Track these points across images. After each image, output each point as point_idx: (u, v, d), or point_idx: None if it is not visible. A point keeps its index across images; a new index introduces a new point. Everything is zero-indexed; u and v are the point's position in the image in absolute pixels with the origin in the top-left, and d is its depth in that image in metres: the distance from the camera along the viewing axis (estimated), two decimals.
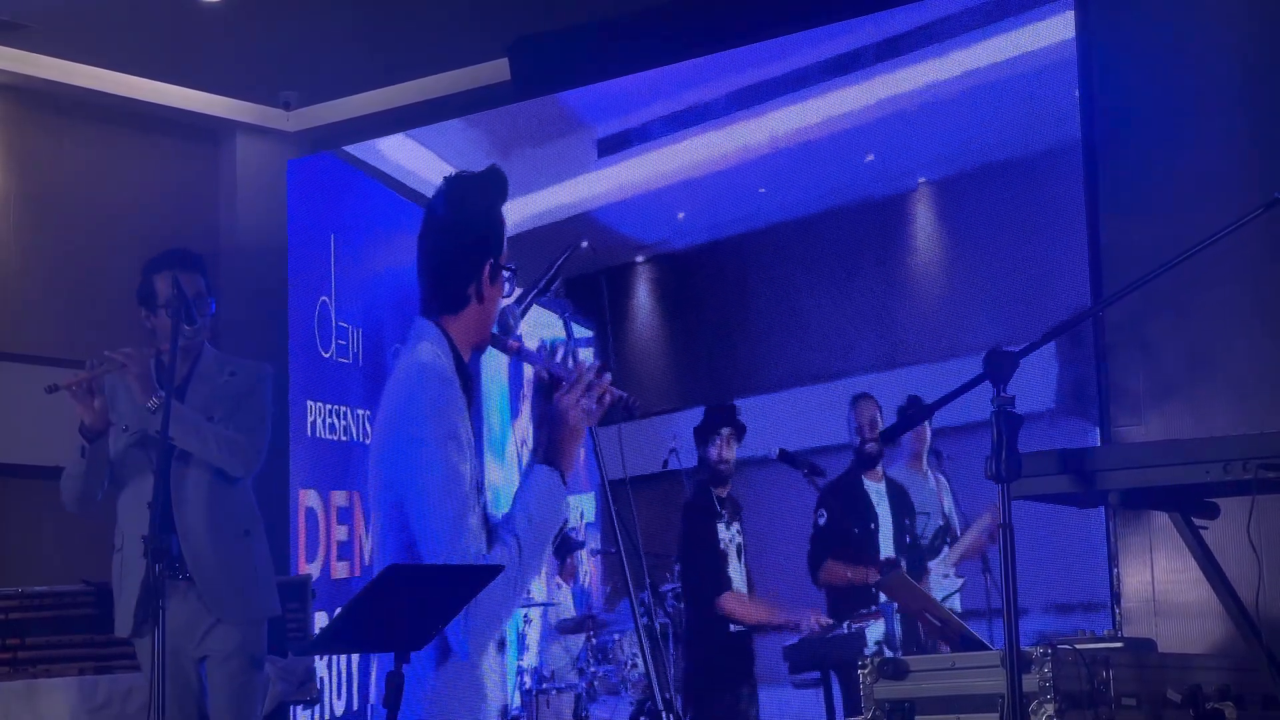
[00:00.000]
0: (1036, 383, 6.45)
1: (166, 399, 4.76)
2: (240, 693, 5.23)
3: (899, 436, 6.67)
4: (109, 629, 5.59)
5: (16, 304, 8.60)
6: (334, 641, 4.15)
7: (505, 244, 3.57)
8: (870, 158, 7.32)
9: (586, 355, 3.63)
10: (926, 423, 6.69)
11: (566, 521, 3.45)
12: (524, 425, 8.38)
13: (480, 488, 3.43)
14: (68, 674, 6.18)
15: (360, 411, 8.95)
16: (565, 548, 8.00)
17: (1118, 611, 6.31)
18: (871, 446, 6.85)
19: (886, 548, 6.84)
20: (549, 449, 3.46)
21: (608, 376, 3.50)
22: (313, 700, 6.76)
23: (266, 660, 5.45)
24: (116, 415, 5.30)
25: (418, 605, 3.20)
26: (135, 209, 9.04)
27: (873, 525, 6.82)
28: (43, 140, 8.82)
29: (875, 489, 6.84)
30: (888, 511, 6.82)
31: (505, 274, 3.55)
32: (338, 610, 3.32)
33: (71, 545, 7.81)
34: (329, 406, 9.00)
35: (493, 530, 3.42)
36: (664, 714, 3.60)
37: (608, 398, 3.49)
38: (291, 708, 6.68)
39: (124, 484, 5.34)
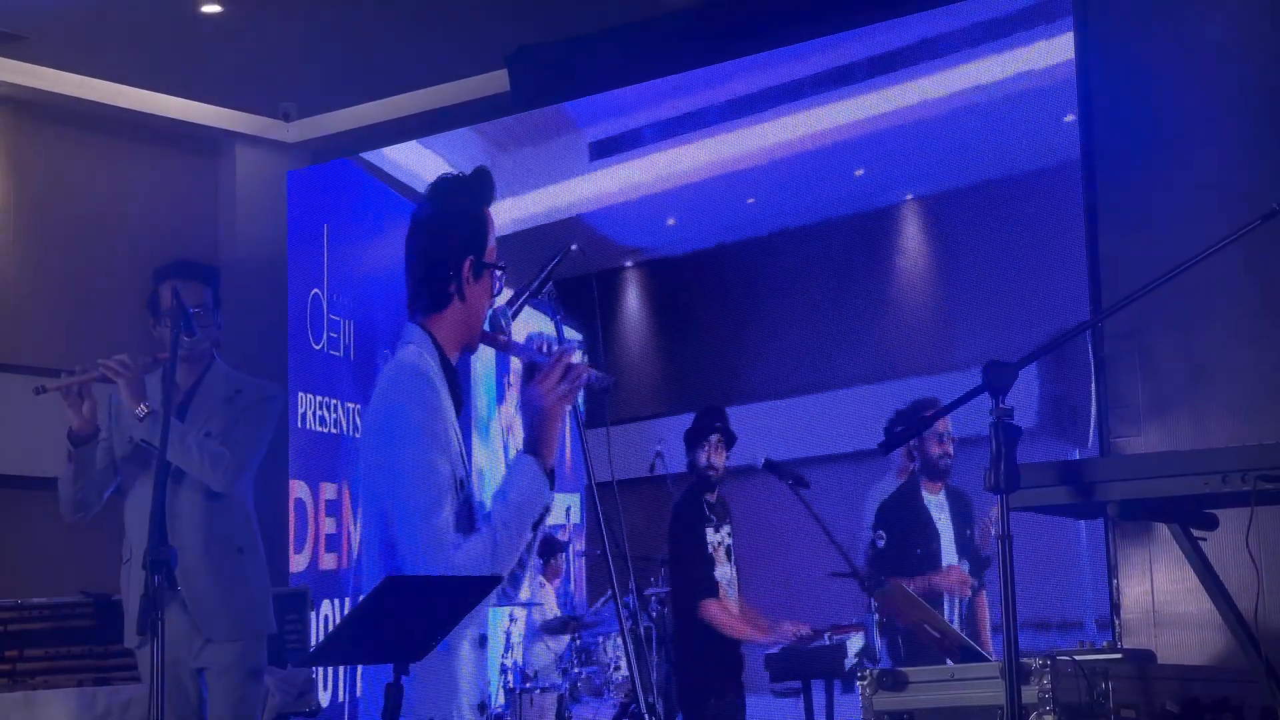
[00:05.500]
0: (1016, 400, 6.38)
1: (165, 409, 4.75)
2: (239, 704, 5.22)
3: (896, 449, 6.65)
4: (108, 640, 5.57)
5: (16, 314, 8.61)
6: (333, 653, 4.15)
7: (490, 243, 3.60)
8: (860, 172, 7.33)
9: (572, 335, 3.65)
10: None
11: (548, 507, 3.48)
12: (509, 412, 8.40)
13: (463, 484, 3.46)
14: (66, 685, 6.17)
15: (350, 405, 8.95)
16: (550, 548, 8.02)
17: (1117, 623, 6.30)
18: (945, 461, 6.69)
19: (950, 561, 6.71)
20: (529, 437, 3.50)
21: (583, 359, 3.52)
22: (312, 711, 6.74)
23: (265, 671, 5.44)
24: (121, 424, 5.30)
25: (416, 616, 3.20)
26: (135, 220, 9.05)
27: (935, 543, 6.70)
28: (42, 151, 8.83)
29: (935, 502, 6.72)
30: (949, 525, 6.72)
31: (494, 273, 3.58)
32: (338, 622, 3.33)
33: (70, 556, 7.81)
34: (319, 399, 8.99)
35: (473, 522, 3.44)
36: (646, 717, 3.60)
37: (581, 378, 3.51)
38: (291, 718, 6.66)
39: (130, 495, 5.33)
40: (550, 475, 3.48)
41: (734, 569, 7.08)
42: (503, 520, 3.41)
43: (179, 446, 5.11)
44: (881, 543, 6.67)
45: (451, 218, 3.60)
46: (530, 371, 3.54)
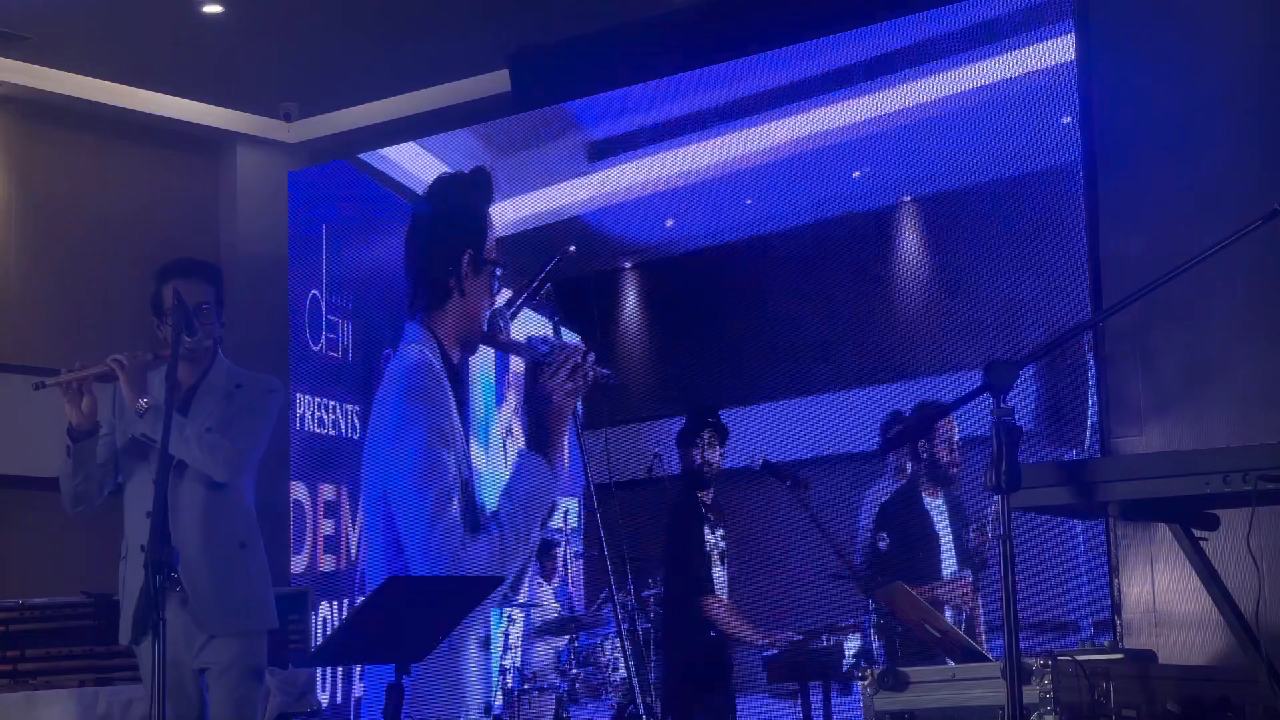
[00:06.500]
0: (1013, 404, 6.35)
1: (167, 407, 4.75)
2: (240, 704, 5.21)
3: (896, 449, 6.65)
4: (109, 640, 5.54)
5: (17, 314, 8.61)
6: (334, 653, 4.15)
7: (489, 241, 3.61)
8: (859, 174, 7.33)
9: (570, 337, 3.66)
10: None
11: (555, 504, 3.47)
12: (508, 413, 8.40)
13: (468, 483, 3.46)
14: (67, 686, 6.17)
15: (349, 406, 8.94)
16: (546, 549, 8.04)
17: (1118, 623, 6.30)
18: (954, 470, 6.66)
19: (949, 566, 6.70)
20: (536, 434, 3.50)
21: (591, 356, 3.54)
22: (313, 712, 6.75)
23: (266, 671, 5.44)
24: (124, 419, 5.30)
25: (418, 616, 3.20)
26: (136, 220, 9.06)
27: (936, 546, 6.65)
28: (44, 151, 8.83)
29: (935, 505, 6.68)
30: (948, 529, 6.68)
31: (492, 269, 3.59)
32: (338, 623, 3.32)
33: (71, 556, 7.82)
34: (318, 400, 8.98)
35: (480, 520, 3.45)
36: (644, 718, 3.60)
37: (590, 375, 3.52)
38: (291, 718, 6.67)
39: (129, 491, 5.33)
40: (557, 472, 3.48)
41: (726, 572, 7.08)
42: (511, 518, 3.41)
43: (178, 438, 5.09)
44: (884, 545, 6.66)
45: (450, 214, 3.63)
46: (535, 369, 3.55)
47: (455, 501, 3.38)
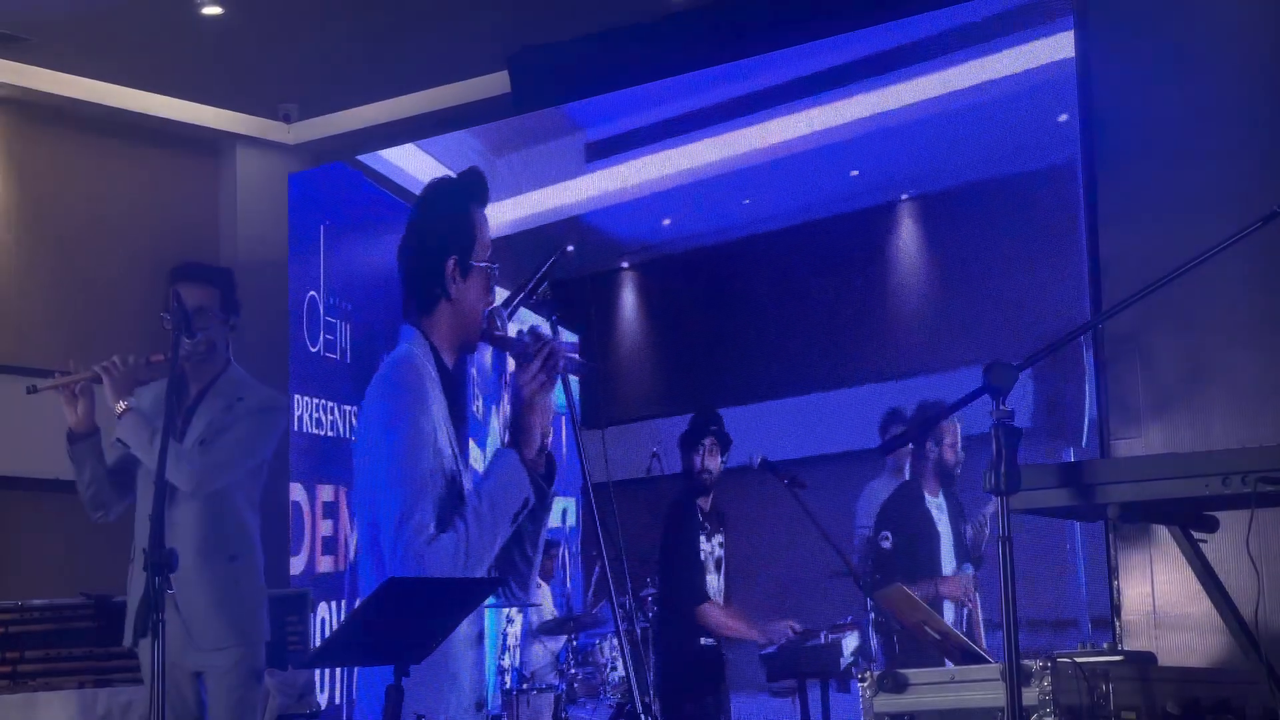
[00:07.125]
0: (1011, 400, 6.34)
1: (168, 412, 4.75)
2: (239, 706, 5.21)
3: (895, 450, 6.65)
4: (108, 642, 5.55)
5: (16, 316, 8.61)
6: (334, 654, 4.15)
7: (480, 242, 3.63)
8: (856, 173, 7.33)
9: (569, 337, 3.68)
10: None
11: (528, 500, 3.47)
12: (507, 413, 8.39)
13: (452, 479, 3.47)
14: (67, 687, 6.17)
15: (347, 407, 8.93)
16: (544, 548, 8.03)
17: (1118, 624, 6.30)
18: (959, 469, 6.67)
19: (949, 563, 6.73)
20: (511, 430, 3.51)
21: (562, 345, 3.55)
22: (312, 713, 6.75)
23: (265, 673, 5.43)
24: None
25: (417, 618, 3.20)
26: (136, 222, 9.05)
27: (936, 544, 6.69)
28: (43, 153, 8.83)
29: (936, 504, 6.71)
30: (948, 527, 6.71)
31: (483, 269, 3.61)
32: (337, 624, 3.33)
33: (71, 558, 7.82)
34: (315, 401, 8.97)
35: (449, 516, 3.47)
36: (643, 718, 3.61)
37: (559, 366, 3.54)
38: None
39: (139, 495, 5.33)
40: (530, 466, 3.48)
41: (723, 580, 7.09)
42: (476, 513, 3.44)
43: (149, 447, 5.09)
44: (887, 544, 6.67)
45: (436, 220, 3.67)
46: (519, 364, 3.59)
47: (429, 497, 3.40)
